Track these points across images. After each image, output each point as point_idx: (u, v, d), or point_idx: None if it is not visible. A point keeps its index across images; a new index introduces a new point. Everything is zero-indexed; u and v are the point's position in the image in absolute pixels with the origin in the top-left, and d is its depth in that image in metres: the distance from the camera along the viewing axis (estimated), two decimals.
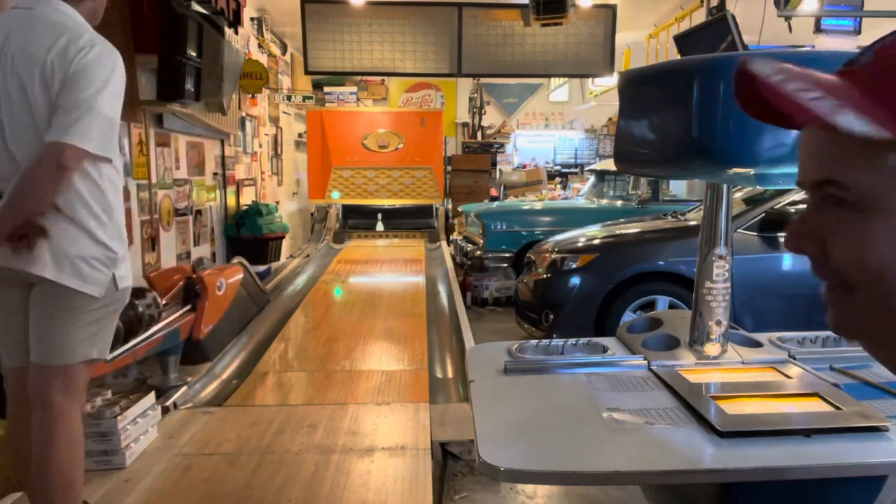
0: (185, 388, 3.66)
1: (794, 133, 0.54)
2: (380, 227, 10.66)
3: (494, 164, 11.82)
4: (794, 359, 1.74)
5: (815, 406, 1.44)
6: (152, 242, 5.19)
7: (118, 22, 4.39)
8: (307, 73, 7.21)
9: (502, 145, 13.45)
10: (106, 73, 1.96)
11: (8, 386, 2.11)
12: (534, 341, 1.85)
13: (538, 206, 7.94)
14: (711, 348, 1.73)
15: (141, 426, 2.96)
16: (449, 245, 9.04)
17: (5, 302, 2.03)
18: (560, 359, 1.77)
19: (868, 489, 1.35)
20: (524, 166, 13.48)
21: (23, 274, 1.92)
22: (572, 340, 1.84)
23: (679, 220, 5.11)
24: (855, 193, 0.46)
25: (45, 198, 1.87)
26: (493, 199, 10.07)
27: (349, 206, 10.65)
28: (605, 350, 1.83)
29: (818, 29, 5.41)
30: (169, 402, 3.40)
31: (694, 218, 5.00)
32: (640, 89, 1.67)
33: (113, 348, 3.07)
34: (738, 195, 4.67)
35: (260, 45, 8.68)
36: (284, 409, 3.55)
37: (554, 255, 4.94)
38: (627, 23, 8.18)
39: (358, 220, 10.57)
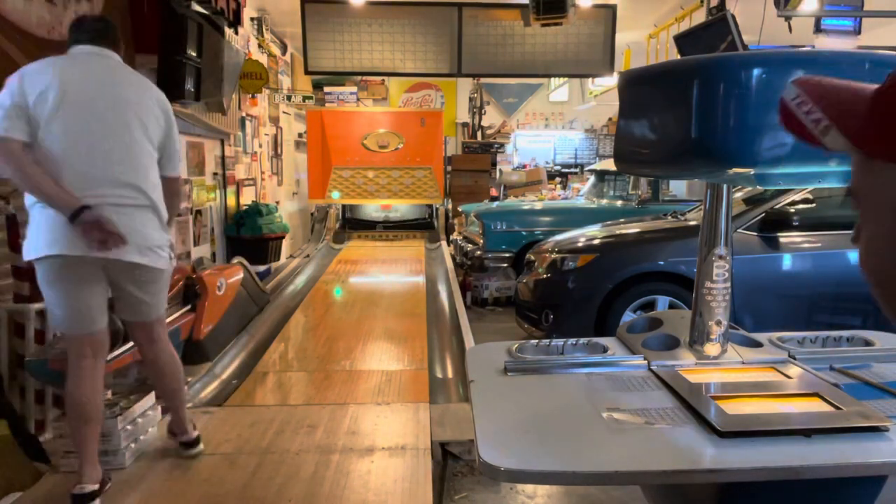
0: (185, 388, 3.66)
1: None
2: (379, 228, 10.68)
3: (494, 164, 11.82)
4: (794, 359, 1.74)
5: (815, 406, 1.44)
6: None
7: (118, 22, 4.39)
8: (307, 73, 7.21)
9: (502, 145, 13.44)
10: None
11: (85, 346, 2.54)
12: (534, 341, 1.85)
13: (538, 206, 7.94)
14: (711, 348, 1.73)
15: (141, 426, 2.96)
16: (449, 245, 9.03)
17: (94, 281, 2.51)
18: (560, 359, 1.76)
19: (868, 489, 1.35)
20: (524, 166, 13.49)
21: (119, 262, 2.50)
22: (572, 340, 1.84)
23: (679, 220, 5.11)
24: (853, 196, 0.52)
25: None
26: (493, 199, 10.07)
27: (349, 218, 10.66)
28: (605, 350, 1.83)
29: (818, 29, 5.41)
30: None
31: (694, 218, 5.00)
32: (640, 89, 1.67)
33: (113, 348, 3.08)
34: (738, 195, 4.67)
35: (260, 45, 8.68)
36: (284, 409, 3.55)
37: (554, 255, 4.94)
38: (627, 23, 8.18)
39: (358, 230, 10.58)
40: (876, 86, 0.50)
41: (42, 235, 2.40)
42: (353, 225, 10.66)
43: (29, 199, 2.46)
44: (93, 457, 2.55)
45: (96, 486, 2.52)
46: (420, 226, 10.64)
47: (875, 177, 0.49)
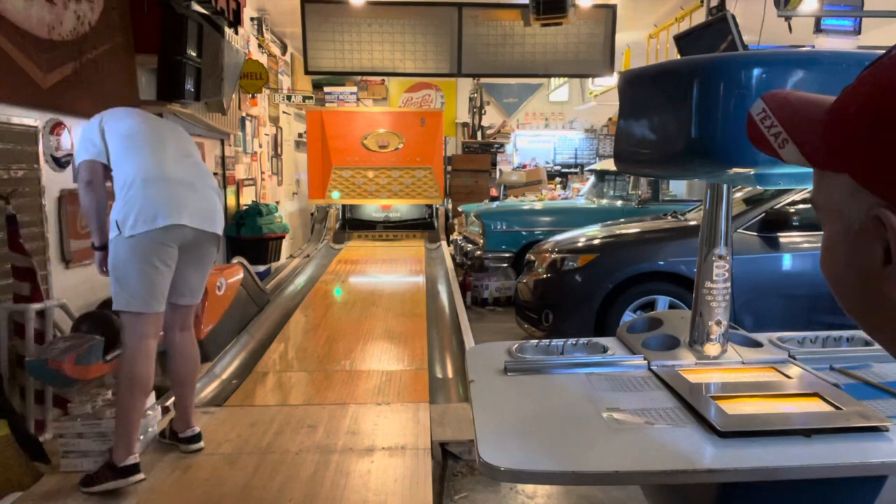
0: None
1: None
2: (379, 228, 10.69)
3: (494, 164, 11.81)
4: (794, 359, 1.74)
5: (815, 406, 1.44)
6: None
7: (118, 22, 4.39)
8: (307, 73, 7.20)
9: (502, 145, 13.44)
10: None
11: (150, 325, 2.75)
12: (534, 341, 1.85)
13: (538, 206, 7.94)
14: (711, 348, 1.73)
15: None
16: (449, 245, 9.03)
17: (174, 259, 2.75)
18: (560, 359, 1.76)
19: (868, 489, 1.35)
20: (524, 166, 13.48)
21: (211, 235, 2.86)
22: (572, 340, 1.84)
23: (679, 220, 5.11)
24: (813, 205, 0.57)
25: None
26: (493, 199, 10.06)
27: (349, 218, 10.66)
28: (605, 350, 1.83)
29: (818, 29, 5.41)
30: (169, 402, 3.40)
31: (694, 218, 5.00)
32: (640, 89, 1.67)
33: (113, 349, 3.08)
34: (738, 195, 4.67)
35: (260, 45, 8.68)
36: (284, 409, 3.55)
37: (554, 255, 4.93)
38: (627, 23, 8.18)
39: (358, 229, 10.60)
40: (833, 99, 0.53)
41: (151, 209, 2.64)
42: (353, 225, 10.66)
43: (121, 181, 2.70)
44: (138, 429, 2.76)
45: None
46: (420, 226, 10.63)
47: (826, 186, 0.53)
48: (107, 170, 2.78)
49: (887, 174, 0.46)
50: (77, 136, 2.81)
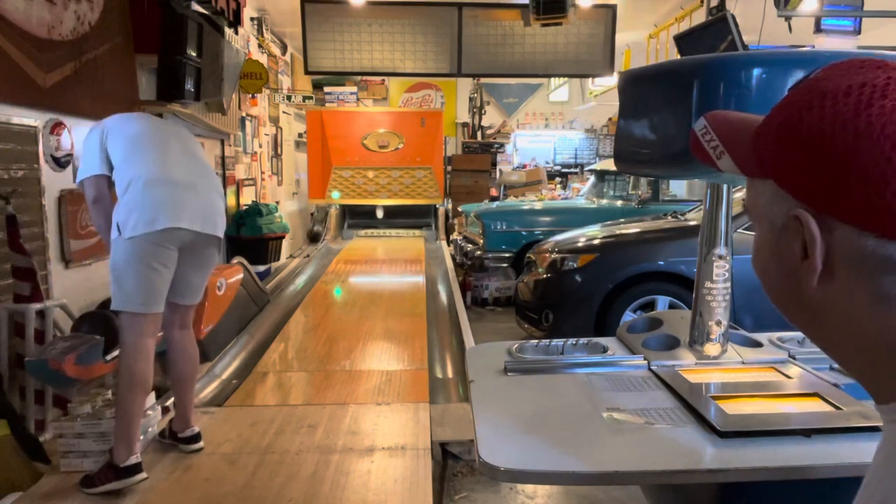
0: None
1: None
2: (380, 213, 10.64)
3: (494, 164, 11.80)
4: (794, 359, 1.74)
5: (815, 406, 1.44)
6: None
7: (118, 22, 4.39)
8: (307, 73, 7.19)
9: (502, 145, 13.43)
10: None
11: (149, 325, 2.76)
12: (534, 341, 1.85)
13: (538, 206, 7.93)
14: (711, 348, 1.73)
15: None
16: (449, 245, 9.03)
17: (173, 260, 2.76)
18: (560, 359, 1.76)
19: None
20: (524, 166, 13.48)
21: (211, 237, 2.88)
22: (572, 340, 1.84)
23: (679, 220, 5.10)
24: (746, 210, 0.64)
25: None
26: (493, 199, 10.06)
27: (350, 206, 10.67)
28: (605, 350, 1.83)
29: (818, 29, 5.41)
30: (169, 402, 3.40)
31: (694, 218, 5.00)
32: (640, 89, 1.67)
33: (113, 349, 3.08)
34: (738, 195, 4.66)
35: (260, 45, 8.67)
36: (284, 409, 3.55)
37: (554, 255, 4.93)
38: (627, 23, 8.18)
39: (359, 219, 10.60)
40: (762, 118, 0.60)
41: (151, 212, 2.65)
42: (353, 213, 10.65)
43: (123, 183, 2.71)
44: (139, 428, 2.76)
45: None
46: (420, 222, 10.63)
47: (755, 192, 0.61)
48: (110, 181, 2.79)
49: (800, 180, 0.54)
50: (80, 148, 2.79)
